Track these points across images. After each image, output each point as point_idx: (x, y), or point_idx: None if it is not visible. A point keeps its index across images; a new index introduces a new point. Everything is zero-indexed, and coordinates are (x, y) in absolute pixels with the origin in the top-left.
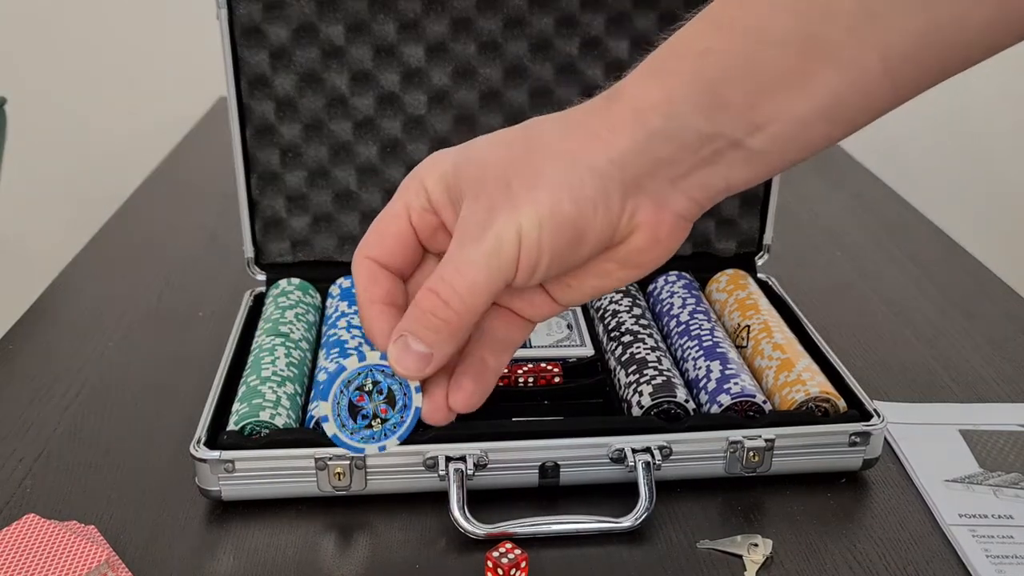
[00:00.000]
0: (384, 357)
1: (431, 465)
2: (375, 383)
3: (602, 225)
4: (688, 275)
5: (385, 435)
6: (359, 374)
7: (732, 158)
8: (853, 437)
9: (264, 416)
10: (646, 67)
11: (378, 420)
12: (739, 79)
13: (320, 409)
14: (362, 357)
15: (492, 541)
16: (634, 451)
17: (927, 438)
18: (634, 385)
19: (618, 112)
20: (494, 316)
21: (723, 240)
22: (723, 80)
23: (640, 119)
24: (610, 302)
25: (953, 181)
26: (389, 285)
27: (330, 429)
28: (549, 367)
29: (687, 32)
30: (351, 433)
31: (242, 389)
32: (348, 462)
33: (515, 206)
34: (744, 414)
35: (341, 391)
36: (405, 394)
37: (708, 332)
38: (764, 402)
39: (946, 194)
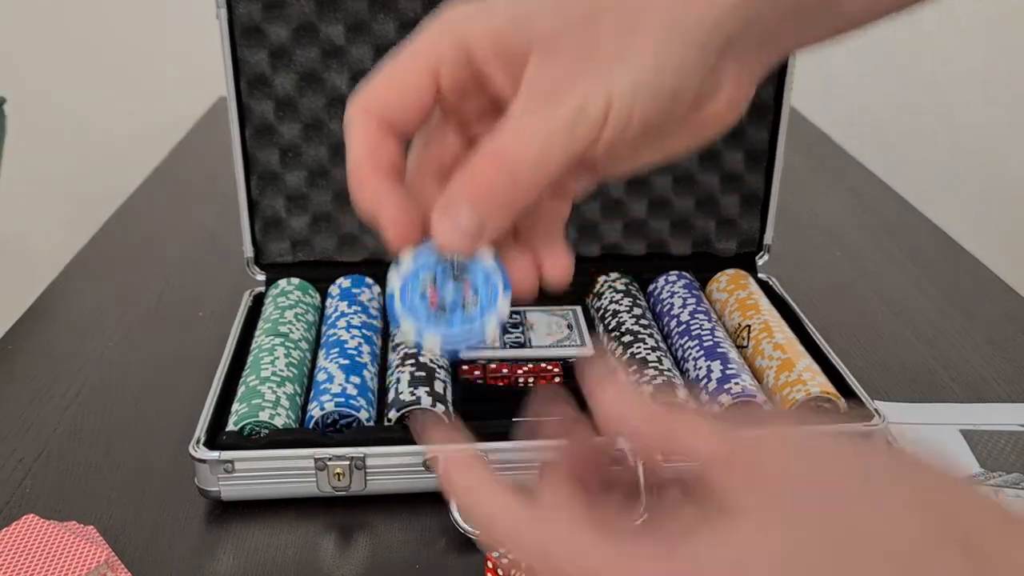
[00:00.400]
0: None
1: (431, 466)
2: (435, 277)
3: (697, 92)
4: (688, 275)
5: (480, 316)
6: (417, 276)
7: (818, 16)
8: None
9: (263, 416)
10: None
11: (467, 307)
12: None
13: (403, 333)
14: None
15: None
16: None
17: (928, 438)
18: (634, 385)
19: None
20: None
21: (723, 240)
22: None
23: None
24: (610, 302)
25: (953, 181)
26: (394, 152)
27: (433, 340)
28: (549, 367)
29: None
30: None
31: (241, 389)
32: (348, 462)
33: (606, 68)
34: None
35: (410, 299)
36: (481, 271)
37: (709, 332)
38: (765, 402)
39: (946, 194)
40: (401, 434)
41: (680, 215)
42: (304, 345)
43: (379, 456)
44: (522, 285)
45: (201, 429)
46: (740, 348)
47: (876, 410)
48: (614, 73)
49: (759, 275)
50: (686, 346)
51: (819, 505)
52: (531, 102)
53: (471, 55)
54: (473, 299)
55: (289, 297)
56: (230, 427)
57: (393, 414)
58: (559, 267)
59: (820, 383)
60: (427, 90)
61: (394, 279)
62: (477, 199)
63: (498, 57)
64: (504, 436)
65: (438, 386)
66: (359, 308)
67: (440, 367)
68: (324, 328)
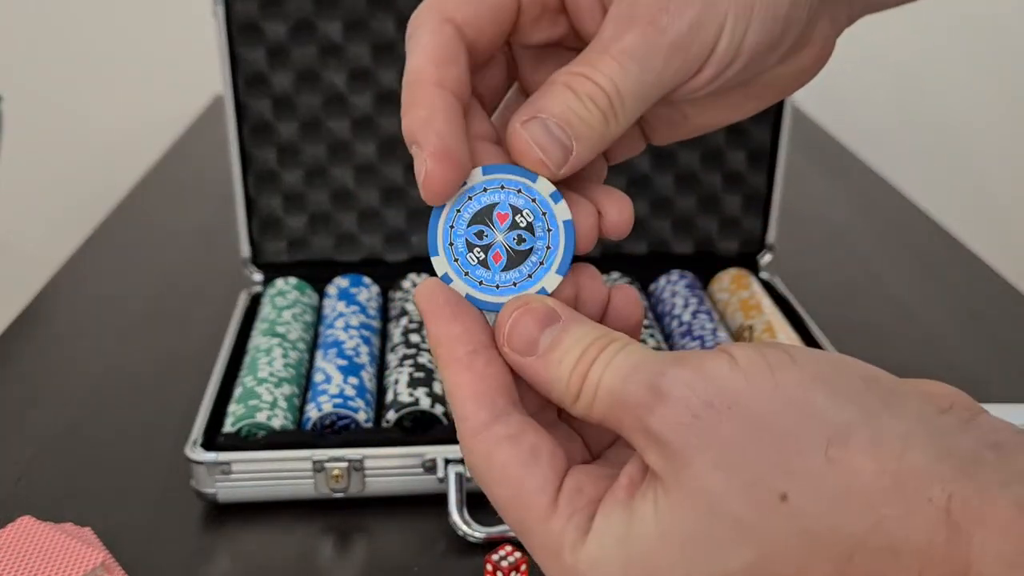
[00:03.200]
0: (488, 170)
1: (430, 467)
2: (489, 210)
3: (800, 31)
4: (690, 275)
5: (535, 272)
6: (469, 198)
7: None
8: None
9: (261, 418)
10: None
11: (517, 255)
12: None
13: (439, 265)
14: (489, 169)
15: (491, 544)
16: None
17: None
18: None
19: None
20: None
21: (726, 240)
22: None
23: None
24: None
25: (958, 180)
26: (463, 71)
27: (461, 288)
28: None
29: None
30: (486, 284)
31: (238, 390)
32: (346, 464)
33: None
34: None
35: (453, 231)
36: (540, 211)
37: (710, 332)
38: None
39: (951, 193)
40: (399, 436)
41: (682, 214)
42: (302, 345)
43: (377, 458)
44: (587, 238)
45: (198, 430)
46: None
47: None
48: (715, 6)
49: (761, 275)
50: (688, 346)
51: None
52: (630, 22)
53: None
54: (526, 259)
55: (286, 297)
56: (227, 428)
57: (391, 415)
58: (624, 211)
59: None
60: (509, 8)
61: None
62: (568, 119)
63: None
64: None
65: (437, 387)
66: (357, 308)
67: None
68: (322, 328)
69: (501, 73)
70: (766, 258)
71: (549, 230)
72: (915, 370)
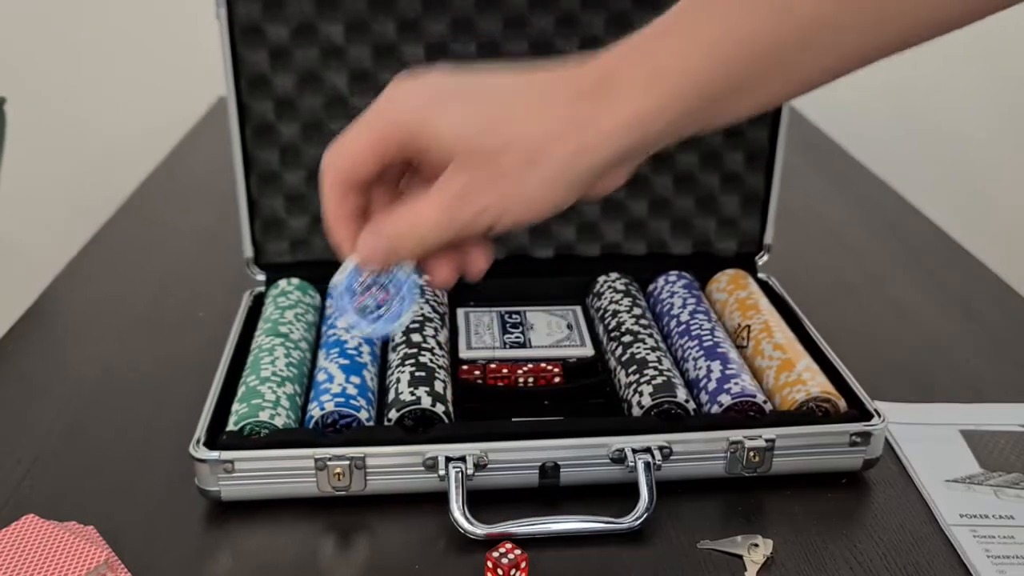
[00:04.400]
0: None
1: (431, 465)
2: (368, 286)
3: (579, 195)
4: (688, 275)
5: (393, 317)
6: (354, 278)
7: (692, 128)
8: (854, 437)
9: (263, 416)
10: (639, 73)
11: (383, 309)
12: (714, 95)
13: (345, 320)
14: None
15: (492, 541)
16: (634, 451)
17: (928, 438)
18: (634, 385)
19: (615, 114)
20: None
21: (724, 240)
22: (702, 96)
23: (632, 128)
24: (610, 302)
25: (954, 181)
26: (355, 203)
27: (353, 330)
28: (549, 367)
29: (671, 46)
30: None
31: (241, 389)
32: (348, 462)
33: (502, 191)
34: (745, 414)
35: (349, 298)
36: (397, 284)
37: (708, 332)
38: (764, 402)
39: (947, 193)
40: (401, 434)
41: (680, 215)
42: (304, 345)
43: (379, 456)
44: (439, 280)
45: (201, 429)
46: (740, 348)
47: (876, 410)
48: (509, 197)
49: (759, 275)
50: (686, 346)
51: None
52: (444, 194)
53: (412, 148)
54: (386, 305)
55: (289, 297)
56: (230, 427)
57: (393, 414)
58: (478, 266)
59: (820, 383)
60: (374, 163)
61: (337, 278)
62: (392, 237)
63: (428, 152)
64: (504, 436)
65: (438, 386)
66: None
67: (440, 367)
68: (324, 328)
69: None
70: (764, 258)
71: (399, 292)
72: (913, 370)
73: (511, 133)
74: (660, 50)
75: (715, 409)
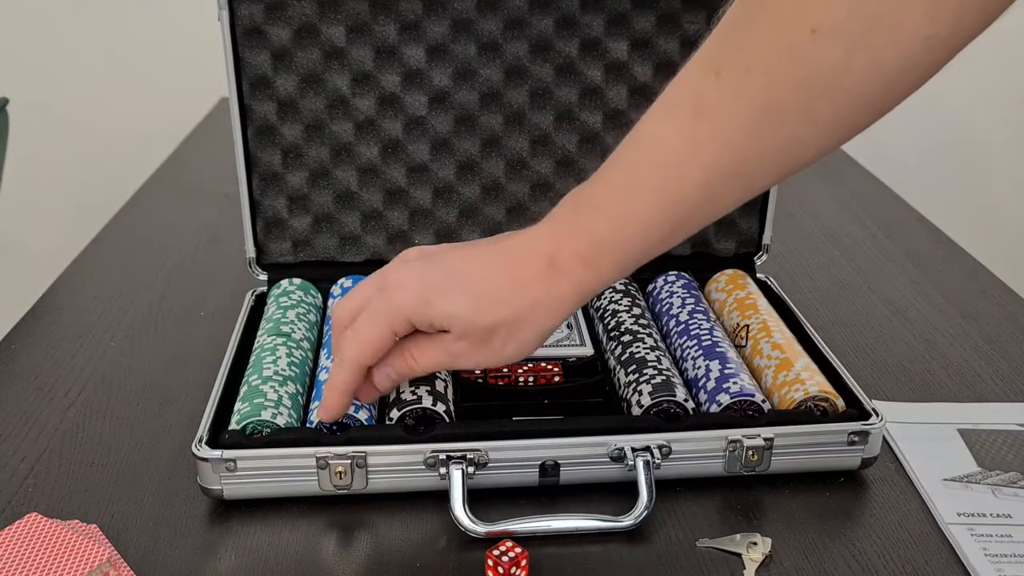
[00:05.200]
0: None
1: (432, 464)
2: None
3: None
4: (687, 275)
5: None
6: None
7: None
8: (852, 436)
9: (266, 415)
10: (578, 252)
11: None
12: (646, 252)
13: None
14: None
15: (492, 540)
16: (634, 450)
17: (925, 437)
18: (634, 384)
19: (567, 283)
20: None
21: (722, 240)
22: (638, 256)
23: (581, 293)
24: (609, 302)
25: (951, 180)
26: (359, 376)
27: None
28: (549, 366)
29: (600, 225)
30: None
31: (244, 389)
32: (349, 461)
33: (485, 356)
34: (743, 413)
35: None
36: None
37: (707, 332)
38: (763, 401)
39: (944, 194)
40: (402, 433)
41: None
42: (306, 345)
43: (380, 455)
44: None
45: (203, 428)
46: (739, 348)
47: (874, 409)
48: (492, 357)
49: (758, 275)
50: (685, 346)
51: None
52: (447, 352)
53: (416, 324)
54: None
55: (291, 297)
56: (232, 426)
57: (394, 413)
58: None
59: (818, 382)
60: (390, 342)
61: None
62: (403, 373)
63: (430, 326)
64: (504, 435)
65: (439, 385)
66: None
67: None
68: (326, 328)
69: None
70: (762, 258)
71: None
72: (910, 369)
73: (500, 314)
74: (592, 228)
75: (714, 408)
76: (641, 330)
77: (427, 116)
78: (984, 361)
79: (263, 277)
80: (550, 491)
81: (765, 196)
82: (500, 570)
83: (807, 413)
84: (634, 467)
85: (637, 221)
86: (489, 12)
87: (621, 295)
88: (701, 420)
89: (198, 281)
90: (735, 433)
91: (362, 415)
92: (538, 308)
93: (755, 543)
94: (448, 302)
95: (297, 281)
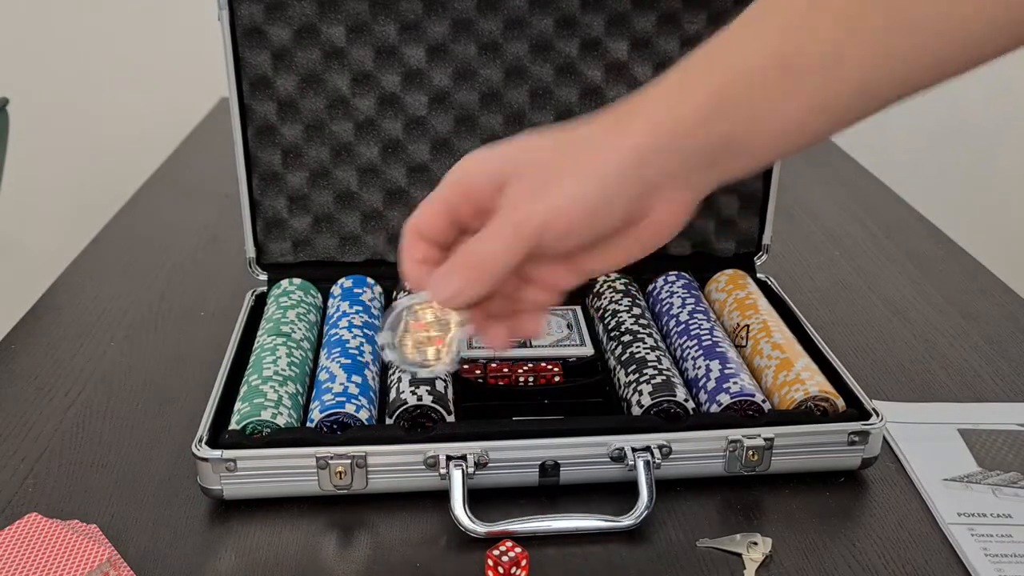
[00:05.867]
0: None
1: (432, 464)
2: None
3: (619, 214)
4: (687, 275)
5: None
6: (412, 307)
7: (728, 160)
8: (852, 436)
9: (265, 415)
10: (665, 86)
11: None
12: (742, 99)
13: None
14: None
15: (492, 540)
16: (634, 450)
17: (926, 437)
18: (634, 384)
19: (639, 124)
20: (525, 280)
21: (722, 240)
22: (728, 101)
23: (655, 132)
24: (610, 302)
25: (951, 181)
26: (425, 251)
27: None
28: (549, 366)
29: (696, 57)
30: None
31: (243, 388)
32: (349, 461)
33: (544, 195)
34: (743, 413)
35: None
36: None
37: (707, 332)
38: (763, 401)
39: (944, 194)
40: (402, 433)
41: None
42: (306, 345)
43: (380, 455)
44: (494, 342)
45: (203, 428)
46: (739, 348)
47: (874, 409)
48: (548, 199)
49: (758, 275)
50: (685, 346)
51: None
52: (502, 212)
53: (473, 194)
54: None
55: (291, 297)
56: (232, 426)
57: (394, 413)
58: (531, 330)
59: (818, 382)
60: (445, 219)
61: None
62: (463, 268)
63: (492, 191)
64: (504, 435)
65: (439, 385)
66: (361, 308)
67: None
68: (326, 328)
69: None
70: (762, 258)
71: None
72: (910, 369)
73: (553, 151)
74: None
75: (714, 408)
76: (641, 330)
77: (427, 116)
78: (984, 361)
79: (263, 277)
80: (550, 491)
81: (765, 196)
82: (500, 570)
83: (807, 413)
84: (634, 467)
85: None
86: (489, 12)
87: (621, 295)
88: (701, 420)
89: (198, 281)
90: (735, 433)
91: (363, 415)
92: (598, 145)
93: (755, 543)
94: (498, 151)
95: (297, 281)
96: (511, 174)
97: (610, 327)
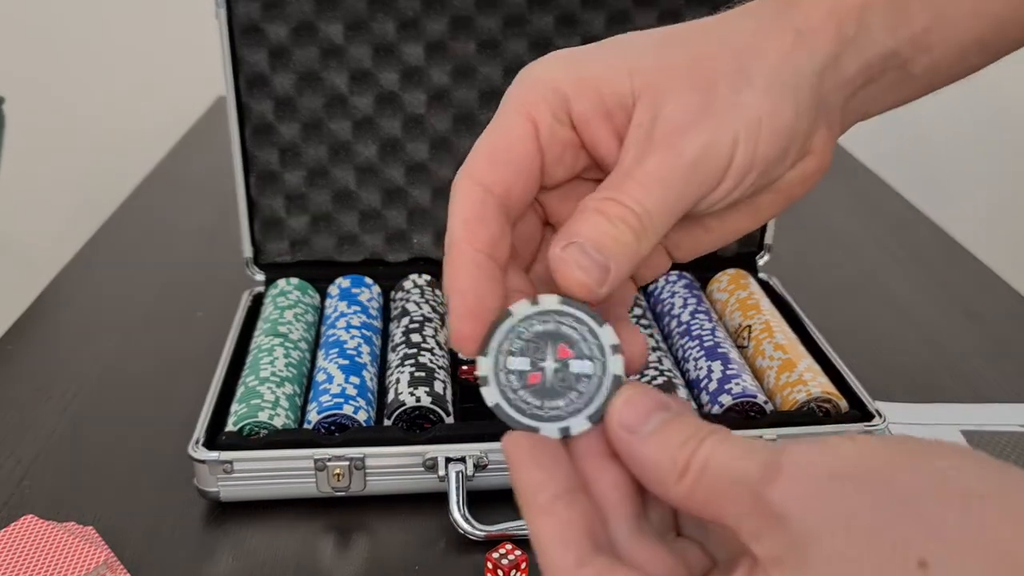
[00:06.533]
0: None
1: (431, 466)
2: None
3: (804, 139)
4: (689, 275)
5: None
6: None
7: (891, 80)
8: None
9: (263, 417)
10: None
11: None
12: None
13: (481, 367)
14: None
15: (492, 542)
16: None
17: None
18: None
19: (814, 11)
20: None
21: None
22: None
23: (839, 24)
24: None
25: (954, 180)
26: (497, 229)
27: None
28: None
29: None
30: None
31: (241, 390)
32: (347, 463)
33: (725, 109)
34: (745, 414)
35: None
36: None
37: (709, 332)
38: (765, 402)
39: (948, 193)
40: (400, 435)
41: None
42: (303, 345)
43: (378, 457)
44: (632, 369)
45: (200, 429)
46: (741, 348)
47: (877, 411)
48: (735, 113)
49: (760, 275)
50: (687, 346)
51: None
52: (648, 146)
53: (573, 111)
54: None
55: (288, 297)
56: (229, 427)
57: (393, 415)
58: (638, 349)
59: (821, 383)
60: (531, 160)
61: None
62: (602, 241)
63: (601, 110)
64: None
65: (438, 386)
66: (359, 308)
67: (440, 367)
68: (323, 328)
69: (534, 222)
70: (764, 258)
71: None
72: (914, 370)
73: (705, 40)
74: None
75: (716, 409)
76: (642, 330)
77: (426, 114)
78: (988, 362)
79: (260, 277)
80: None
81: None
82: (500, 573)
83: (810, 414)
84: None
85: None
86: (489, 9)
87: None
88: None
89: (195, 281)
90: (737, 434)
91: (361, 416)
92: (776, 28)
93: None
94: (610, 49)
95: (295, 281)
96: (644, 88)
97: None
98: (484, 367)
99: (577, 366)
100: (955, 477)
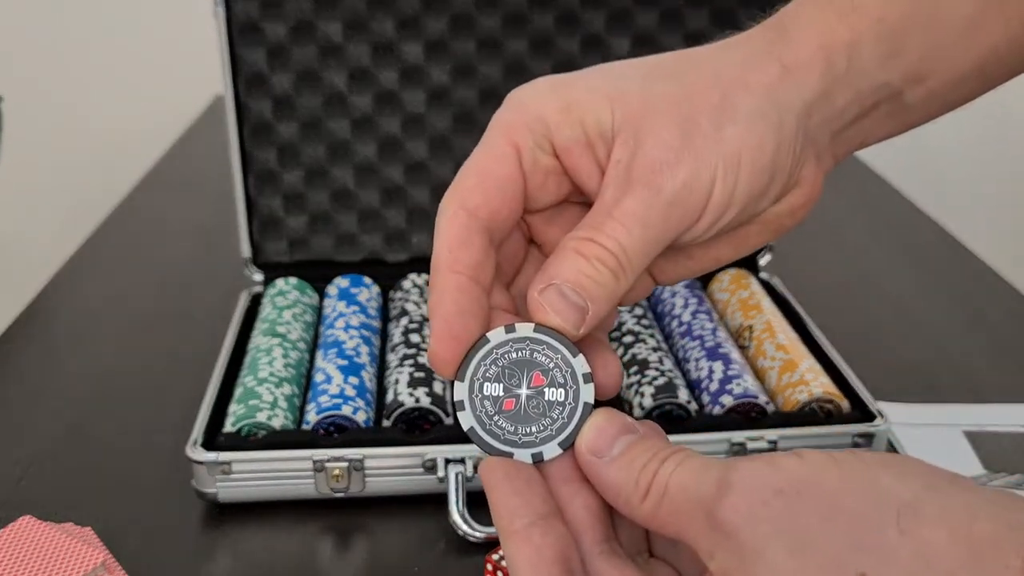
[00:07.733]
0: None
1: (430, 467)
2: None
3: (788, 174)
4: None
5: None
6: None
7: (885, 111)
8: (856, 438)
9: (261, 417)
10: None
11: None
12: (920, 26)
13: (458, 392)
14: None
15: (491, 544)
16: None
17: (931, 439)
18: (635, 386)
19: (803, 46)
20: None
21: None
22: (904, 26)
23: (828, 59)
24: None
25: (957, 179)
26: (481, 252)
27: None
28: None
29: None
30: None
31: (239, 390)
32: (346, 464)
33: (705, 146)
34: (747, 415)
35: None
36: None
37: (710, 332)
38: (767, 403)
39: (950, 193)
40: (400, 436)
41: None
42: (302, 345)
43: (377, 458)
44: (608, 376)
45: (198, 430)
46: (742, 348)
47: (879, 411)
48: (715, 149)
49: (761, 275)
50: (688, 347)
51: None
52: (627, 184)
53: (555, 140)
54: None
55: (287, 297)
56: (227, 428)
57: (392, 415)
58: (612, 374)
59: (822, 384)
60: (515, 185)
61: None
62: (580, 282)
63: (583, 140)
64: None
65: (437, 387)
66: (357, 308)
67: None
68: (322, 328)
69: (518, 240)
70: (766, 258)
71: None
72: (915, 370)
73: (691, 73)
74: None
75: (717, 410)
76: (643, 331)
77: (425, 114)
78: (990, 362)
79: (259, 277)
80: None
81: None
82: (499, 574)
83: (811, 415)
84: None
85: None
86: (489, 8)
87: None
88: (704, 422)
89: (193, 281)
90: (738, 435)
91: (359, 417)
92: (761, 61)
93: None
94: (592, 79)
95: (293, 281)
96: (634, 114)
97: (611, 327)
98: (460, 392)
99: (550, 394)
100: (896, 492)
